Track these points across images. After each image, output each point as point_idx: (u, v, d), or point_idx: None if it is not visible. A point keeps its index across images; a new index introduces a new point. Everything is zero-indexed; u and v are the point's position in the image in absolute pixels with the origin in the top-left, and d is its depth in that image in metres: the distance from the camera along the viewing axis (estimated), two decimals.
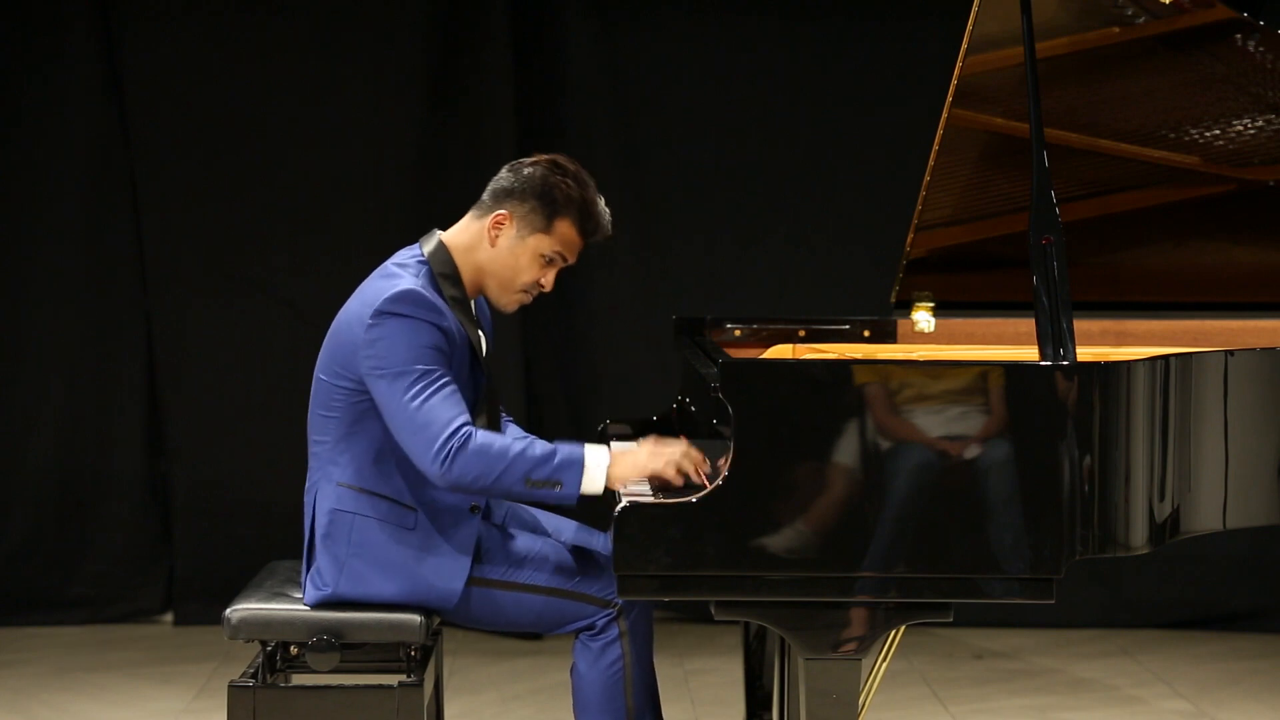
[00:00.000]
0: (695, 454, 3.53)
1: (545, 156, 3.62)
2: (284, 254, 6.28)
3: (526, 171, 3.58)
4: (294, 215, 6.29)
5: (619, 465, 3.47)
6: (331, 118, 6.27)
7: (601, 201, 3.61)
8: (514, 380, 6.23)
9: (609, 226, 3.62)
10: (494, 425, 3.65)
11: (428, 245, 3.60)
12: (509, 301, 3.63)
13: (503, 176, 3.61)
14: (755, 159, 6.36)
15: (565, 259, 3.60)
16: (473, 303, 3.64)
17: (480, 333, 3.65)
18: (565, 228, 3.57)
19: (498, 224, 3.57)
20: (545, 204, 3.55)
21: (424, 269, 3.56)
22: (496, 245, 3.57)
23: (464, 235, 3.61)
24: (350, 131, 6.25)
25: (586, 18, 6.27)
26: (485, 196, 3.62)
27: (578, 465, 3.44)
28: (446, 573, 3.55)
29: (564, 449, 3.46)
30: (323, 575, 3.57)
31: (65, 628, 6.26)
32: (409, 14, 6.24)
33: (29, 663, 5.85)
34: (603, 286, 6.34)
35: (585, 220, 3.57)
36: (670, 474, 3.49)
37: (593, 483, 3.45)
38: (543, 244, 3.57)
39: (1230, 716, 5.28)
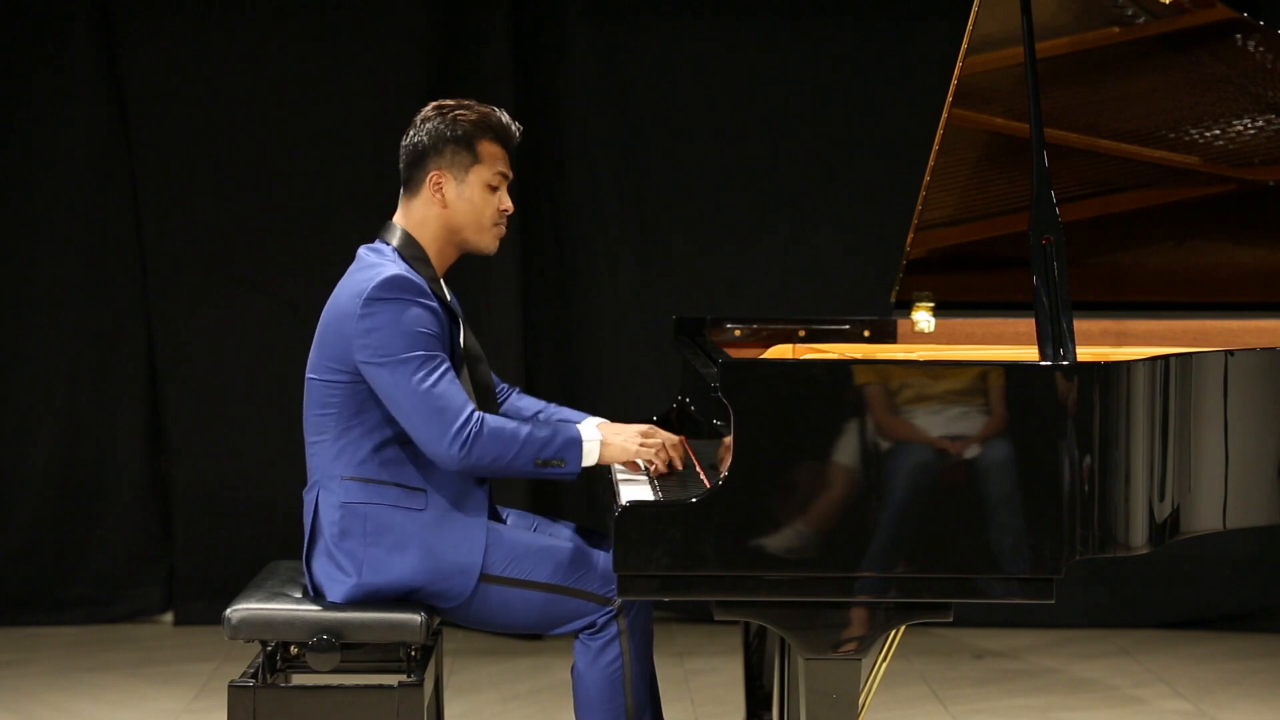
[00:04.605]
0: (678, 452, 3.69)
1: (425, 111, 3.70)
2: (284, 254, 6.28)
3: (424, 129, 3.67)
4: (294, 215, 6.29)
5: (610, 448, 3.62)
6: (331, 118, 6.27)
7: (494, 108, 3.72)
8: (514, 380, 6.23)
9: (516, 124, 3.73)
10: (487, 391, 3.72)
11: (392, 235, 3.69)
12: (489, 240, 3.72)
13: (408, 147, 3.69)
14: (755, 159, 6.36)
15: (506, 175, 3.71)
16: (444, 286, 3.70)
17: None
18: (488, 148, 3.68)
19: (436, 184, 3.66)
20: (460, 141, 3.65)
21: (398, 256, 3.63)
22: (448, 202, 3.67)
23: (413, 214, 3.69)
24: (350, 131, 6.26)
25: (586, 18, 6.27)
26: (405, 173, 3.70)
27: (577, 443, 3.58)
28: (465, 546, 3.58)
29: (561, 429, 3.58)
30: (344, 570, 3.59)
31: (65, 628, 6.26)
32: (409, 14, 6.25)
33: (29, 663, 5.85)
34: (603, 286, 6.35)
35: (498, 130, 3.69)
36: (654, 461, 3.65)
37: (589, 457, 3.60)
38: (482, 174, 3.67)
39: (1230, 716, 5.28)
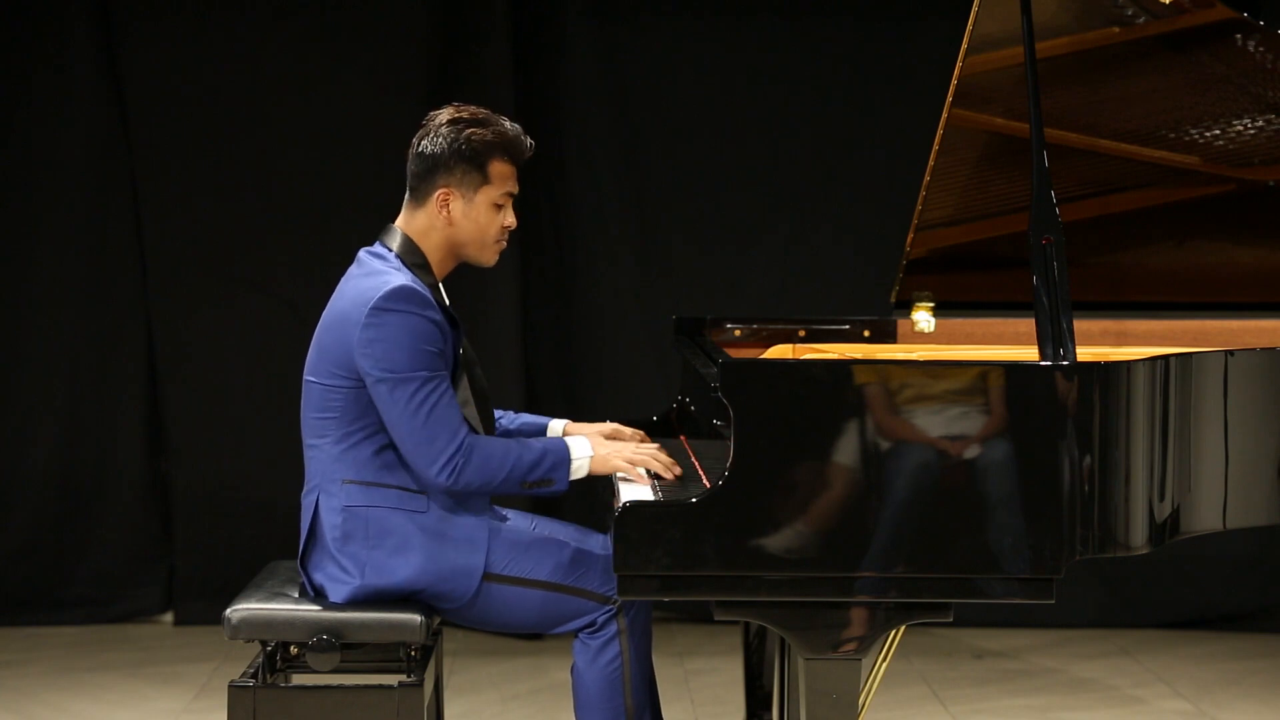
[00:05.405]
0: (665, 458, 3.68)
1: (439, 119, 3.64)
2: (284, 254, 6.28)
3: (438, 141, 3.61)
4: (294, 215, 6.29)
5: (597, 460, 3.63)
6: (331, 118, 6.27)
7: (508, 122, 3.67)
8: (514, 380, 6.23)
9: (528, 138, 3.69)
10: (484, 397, 3.71)
11: (393, 240, 3.66)
12: (490, 256, 3.71)
13: (418, 155, 3.63)
14: (755, 159, 6.36)
15: (513, 192, 3.69)
16: (443, 292, 3.69)
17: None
18: (499, 168, 3.64)
19: (443, 202, 3.63)
20: (471, 161, 3.61)
21: (400, 262, 3.62)
22: (454, 220, 3.64)
23: (416, 222, 3.66)
24: (350, 131, 6.25)
25: (586, 18, 6.27)
26: (413, 181, 3.66)
27: (566, 463, 3.59)
28: (467, 547, 3.58)
29: (551, 448, 3.59)
30: (347, 571, 3.59)
31: (65, 628, 6.26)
32: (409, 14, 6.25)
33: (29, 663, 5.85)
34: (603, 287, 6.35)
35: (510, 151, 3.65)
36: (642, 469, 3.65)
37: (578, 473, 3.62)
38: (490, 194, 3.64)
39: (1230, 716, 5.28)
